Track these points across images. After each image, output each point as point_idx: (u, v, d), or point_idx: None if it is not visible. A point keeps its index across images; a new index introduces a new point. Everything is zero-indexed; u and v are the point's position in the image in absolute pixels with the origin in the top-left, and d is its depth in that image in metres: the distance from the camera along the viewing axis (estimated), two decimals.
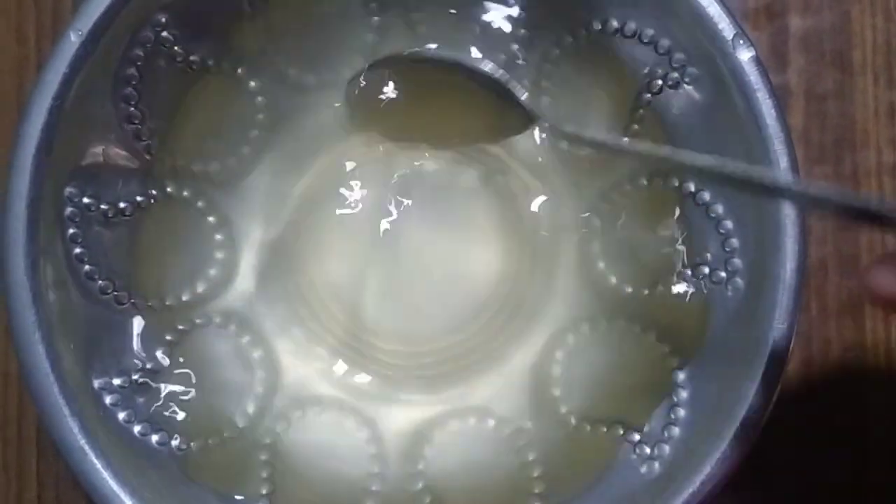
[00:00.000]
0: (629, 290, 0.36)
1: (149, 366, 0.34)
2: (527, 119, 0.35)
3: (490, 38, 0.37)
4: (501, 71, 0.35)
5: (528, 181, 0.38)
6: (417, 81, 0.36)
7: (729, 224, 0.34)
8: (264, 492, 0.34)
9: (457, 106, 0.36)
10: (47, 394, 0.31)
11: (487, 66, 0.35)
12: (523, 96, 0.35)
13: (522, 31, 0.37)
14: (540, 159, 0.37)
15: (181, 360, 0.35)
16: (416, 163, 0.38)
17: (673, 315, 0.35)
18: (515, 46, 0.37)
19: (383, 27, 0.37)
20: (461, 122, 0.37)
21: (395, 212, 0.37)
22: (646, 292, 0.36)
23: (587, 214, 0.37)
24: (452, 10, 0.37)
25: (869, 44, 0.39)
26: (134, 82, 0.34)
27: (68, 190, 0.33)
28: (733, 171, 0.28)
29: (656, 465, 0.33)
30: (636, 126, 0.35)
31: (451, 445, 0.36)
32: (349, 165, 0.38)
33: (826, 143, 0.39)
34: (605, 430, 0.35)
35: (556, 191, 0.37)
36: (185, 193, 0.36)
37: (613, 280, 0.36)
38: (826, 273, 0.38)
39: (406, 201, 0.37)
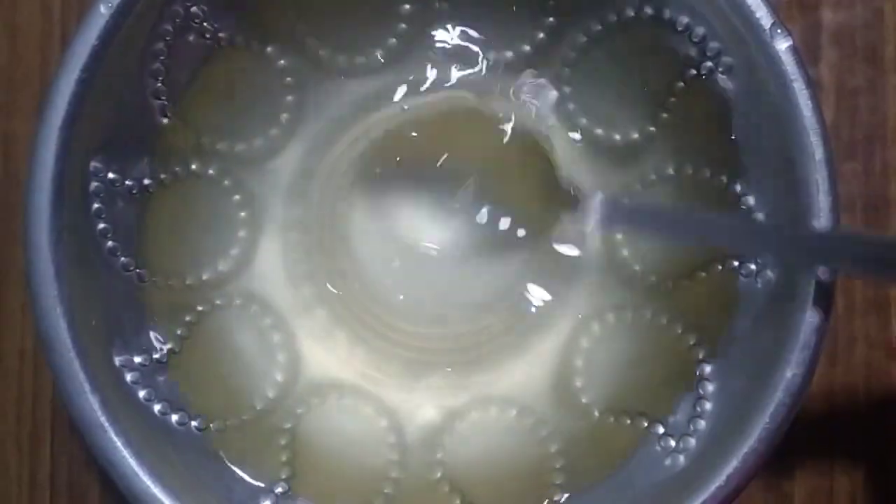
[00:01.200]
0: (654, 279, 0.36)
1: (170, 345, 0.34)
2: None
3: (515, 27, 0.37)
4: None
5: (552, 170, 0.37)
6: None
7: (760, 216, 0.33)
8: (284, 476, 0.34)
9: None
10: (68, 369, 0.30)
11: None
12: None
13: (549, 19, 0.36)
14: (566, 152, 0.37)
15: (201, 340, 0.35)
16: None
17: (700, 307, 0.34)
18: (541, 35, 0.36)
19: (413, 14, 0.36)
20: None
21: (420, 196, 0.37)
22: (671, 283, 0.35)
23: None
24: None
25: None
26: (162, 57, 0.33)
27: (93, 164, 0.32)
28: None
29: (681, 458, 0.33)
30: (665, 115, 0.35)
31: (471, 435, 0.36)
32: (377, 146, 0.37)
33: (856, 139, 0.38)
34: (628, 421, 0.34)
35: (582, 182, 0.37)
36: (211, 171, 0.36)
37: (638, 269, 0.36)
38: None
39: (431, 186, 0.37)
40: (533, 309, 0.37)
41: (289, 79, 0.36)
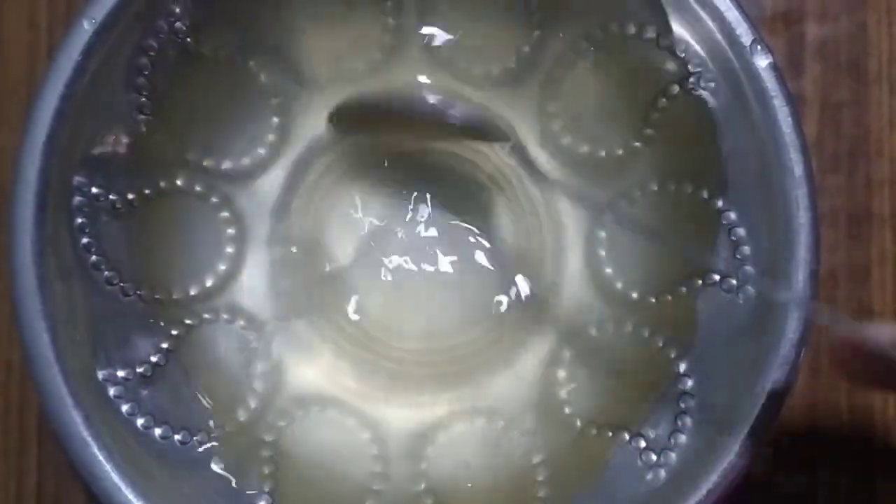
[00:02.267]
0: (635, 295, 0.36)
1: (154, 359, 0.34)
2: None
3: (500, 40, 0.37)
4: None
5: (536, 188, 0.37)
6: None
7: (741, 231, 0.33)
8: (267, 489, 0.34)
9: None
10: (51, 383, 0.31)
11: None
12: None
13: (536, 32, 0.36)
14: (548, 166, 0.37)
15: (186, 354, 0.35)
16: (428, 164, 0.38)
17: (681, 321, 0.34)
18: (527, 49, 0.36)
19: (398, 28, 0.37)
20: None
21: (409, 211, 0.37)
22: (653, 299, 0.35)
23: (595, 221, 0.37)
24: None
25: (885, 53, 0.39)
26: (146, 72, 0.34)
27: (77, 179, 0.32)
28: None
29: (662, 472, 0.33)
30: (650, 131, 0.35)
31: (454, 446, 0.36)
32: (363, 162, 0.37)
33: (840, 153, 0.38)
34: (610, 434, 0.34)
35: (564, 198, 0.37)
36: (198, 188, 0.36)
37: (620, 286, 0.36)
38: (836, 282, 0.38)
39: (421, 201, 0.37)
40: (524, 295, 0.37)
41: (272, 97, 0.36)
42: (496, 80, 0.37)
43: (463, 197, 0.38)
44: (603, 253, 0.36)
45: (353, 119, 0.36)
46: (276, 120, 0.37)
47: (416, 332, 0.37)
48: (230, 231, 0.36)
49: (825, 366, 0.37)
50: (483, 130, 0.35)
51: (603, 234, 0.36)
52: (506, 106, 0.37)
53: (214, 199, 0.36)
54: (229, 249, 0.36)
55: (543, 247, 0.37)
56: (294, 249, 0.37)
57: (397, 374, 0.37)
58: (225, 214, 0.36)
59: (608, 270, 0.36)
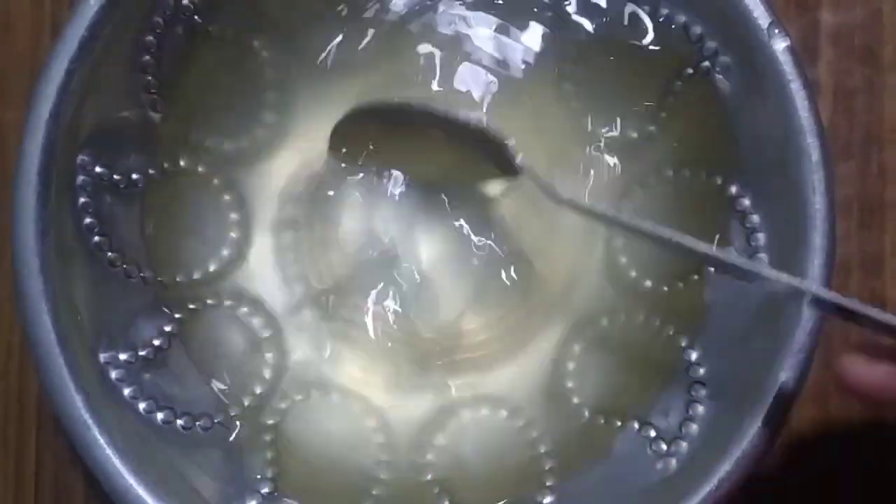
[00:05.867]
0: (649, 284, 0.35)
1: (157, 342, 0.33)
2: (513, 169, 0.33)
3: (514, 22, 0.36)
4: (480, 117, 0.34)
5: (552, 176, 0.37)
6: (398, 125, 0.35)
7: (755, 218, 0.33)
8: (269, 475, 0.33)
9: (440, 150, 0.35)
10: (52, 366, 0.30)
11: (468, 116, 0.33)
12: (510, 142, 0.33)
13: (549, 13, 0.36)
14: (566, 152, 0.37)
15: (190, 338, 0.34)
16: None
17: (692, 310, 0.34)
18: (541, 29, 0.36)
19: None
20: (443, 164, 0.36)
21: (416, 197, 0.37)
22: (665, 288, 0.35)
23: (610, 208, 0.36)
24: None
25: None
26: (152, 50, 0.33)
27: (81, 158, 0.32)
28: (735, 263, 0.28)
29: (673, 461, 0.32)
30: (664, 114, 0.35)
31: (461, 435, 0.35)
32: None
33: (853, 140, 0.38)
34: (619, 423, 0.34)
35: (582, 185, 0.36)
36: (201, 169, 0.35)
37: (633, 274, 0.36)
38: (849, 272, 0.37)
39: (429, 187, 0.37)
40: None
41: (273, 75, 0.36)
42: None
43: (477, 185, 0.37)
44: (619, 241, 0.36)
45: (356, 137, 0.35)
46: (275, 98, 0.36)
47: (424, 319, 0.37)
48: (234, 215, 0.36)
49: (837, 354, 0.37)
50: (495, 134, 0.34)
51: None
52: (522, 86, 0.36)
53: (217, 182, 0.36)
54: (233, 234, 0.36)
55: (558, 236, 0.37)
56: (301, 235, 0.37)
57: (403, 361, 0.36)
58: (227, 198, 0.36)
59: (623, 259, 0.36)
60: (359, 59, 0.36)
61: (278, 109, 0.36)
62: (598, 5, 0.35)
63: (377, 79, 0.36)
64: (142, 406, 0.32)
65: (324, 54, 0.36)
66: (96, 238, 0.33)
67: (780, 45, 0.31)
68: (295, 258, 0.36)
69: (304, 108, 0.37)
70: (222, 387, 0.34)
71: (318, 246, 0.37)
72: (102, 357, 0.32)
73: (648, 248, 0.35)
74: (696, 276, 0.34)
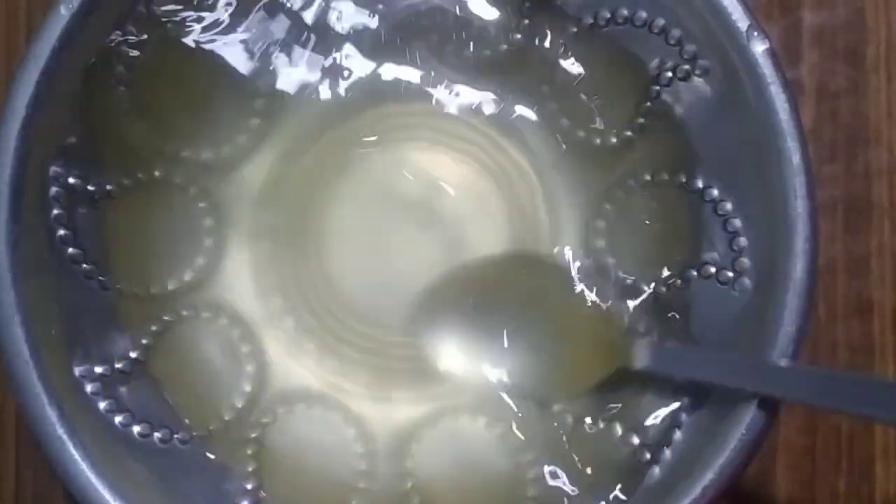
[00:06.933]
0: (629, 282, 0.35)
1: (133, 354, 0.33)
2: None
3: (492, 28, 0.36)
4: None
5: (532, 179, 0.37)
6: None
7: (737, 222, 0.33)
8: (250, 487, 0.33)
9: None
10: (26, 380, 0.30)
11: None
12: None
13: (525, 21, 0.36)
14: (543, 157, 0.36)
15: (167, 350, 0.34)
16: (419, 155, 0.37)
17: (676, 314, 0.34)
18: (518, 37, 0.36)
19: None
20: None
21: (396, 205, 0.36)
22: (648, 291, 0.35)
23: (592, 212, 0.36)
24: None
25: (883, 40, 0.38)
26: (125, 59, 0.33)
27: (53, 169, 0.32)
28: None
29: (656, 469, 0.32)
30: (643, 120, 0.34)
31: (441, 444, 0.35)
32: (350, 153, 0.36)
33: (838, 142, 0.38)
34: (603, 428, 0.33)
35: (559, 189, 0.36)
36: (176, 179, 0.35)
37: (615, 277, 0.35)
38: (835, 274, 0.37)
39: (408, 196, 0.36)
40: None
41: (258, 82, 0.35)
42: (488, 65, 0.36)
43: (458, 192, 0.37)
44: (601, 243, 0.35)
45: None
46: (259, 105, 0.36)
47: (406, 328, 0.36)
48: (208, 222, 0.35)
49: (824, 358, 0.37)
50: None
51: (601, 224, 0.35)
52: (499, 90, 0.36)
53: (193, 191, 0.35)
54: (208, 242, 0.35)
55: (541, 236, 0.36)
56: (279, 244, 0.36)
57: (383, 369, 0.36)
58: (203, 205, 0.35)
59: (610, 260, 0.35)
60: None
61: (261, 115, 0.36)
62: (572, 9, 0.35)
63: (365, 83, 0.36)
64: (118, 420, 0.32)
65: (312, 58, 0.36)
66: (70, 250, 0.32)
67: (759, 47, 0.31)
68: (272, 268, 0.36)
69: (285, 109, 0.36)
70: (202, 400, 0.34)
71: (296, 254, 0.36)
72: (77, 371, 0.31)
73: (630, 249, 0.35)
74: (678, 280, 0.34)
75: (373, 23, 0.36)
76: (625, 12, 0.33)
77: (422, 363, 0.36)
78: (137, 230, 0.34)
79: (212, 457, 0.33)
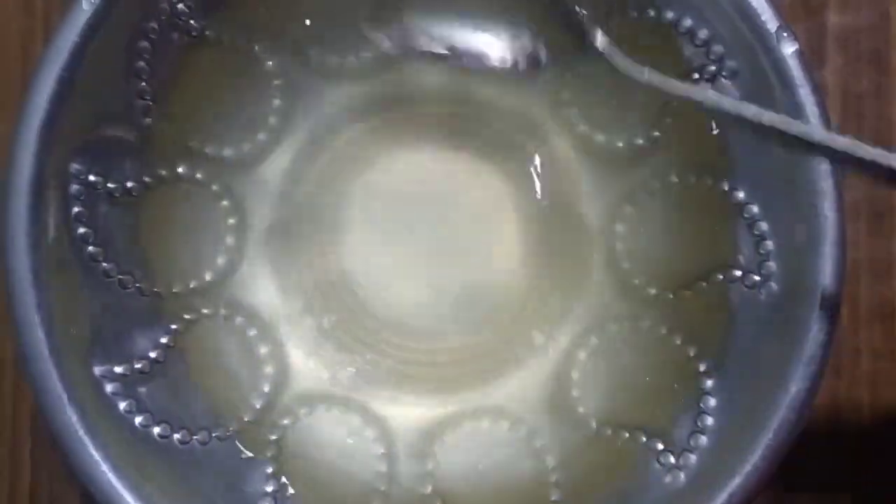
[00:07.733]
0: (653, 291, 0.35)
1: (153, 354, 0.33)
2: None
3: (514, 27, 0.35)
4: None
5: (551, 181, 0.36)
6: None
7: (764, 226, 0.32)
8: (269, 489, 0.33)
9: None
10: (46, 380, 0.29)
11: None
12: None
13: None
14: (563, 158, 0.36)
15: (187, 350, 0.33)
16: (438, 156, 0.37)
17: (700, 318, 0.33)
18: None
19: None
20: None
21: (415, 206, 0.36)
22: (671, 295, 0.34)
23: (613, 214, 0.35)
24: None
25: None
26: (147, 56, 0.32)
27: (74, 166, 0.31)
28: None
29: (682, 475, 0.32)
30: (669, 119, 0.34)
31: (463, 447, 0.35)
32: (370, 152, 0.36)
33: None
34: (626, 435, 0.33)
35: (580, 191, 0.36)
36: (199, 176, 0.34)
37: (638, 281, 0.35)
38: (858, 279, 0.37)
39: (427, 196, 0.36)
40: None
41: (277, 81, 0.35)
42: (508, 70, 0.36)
43: (477, 192, 0.36)
44: (621, 247, 0.35)
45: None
46: (278, 103, 0.35)
47: (426, 330, 0.36)
48: (230, 221, 0.35)
49: (847, 363, 0.36)
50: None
51: (621, 227, 0.35)
52: (519, 93, 0.36)
53: (215, 188, 0.35)
54: (230, 241, 0.35)
55: (560, 241, 0.36)
56: (298, 243, 0.36)
57: (404, 372, 0.36)
58: (225, 203, 0.35)
59: (626, 265, 0.35)
60: (363, 63, 0.36)
61: (280, 113, 0.36)
62: (598, 9, 0.34)
63: (382, 82, 0.36)
64: (138, 420, 0.31)
65: (330, 58, 0.36)
66: (90, 248, 0.32)
67: (788, 49, 0.31)
68: (291, 267, 0.36)
69: (304, 108, 0.36)
70: (222, 401, 0.34)
71: (315, 254, 0.36)
72: (97, 371, 0.31)
73: (652, 253, 0.35)
74: (704, 284, 0.33)
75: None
76: (651, 12, 0.33)
77: (442, 366, 0.35)
78: (159, 228, 0.34)
79: (232, 458, 0.33)
